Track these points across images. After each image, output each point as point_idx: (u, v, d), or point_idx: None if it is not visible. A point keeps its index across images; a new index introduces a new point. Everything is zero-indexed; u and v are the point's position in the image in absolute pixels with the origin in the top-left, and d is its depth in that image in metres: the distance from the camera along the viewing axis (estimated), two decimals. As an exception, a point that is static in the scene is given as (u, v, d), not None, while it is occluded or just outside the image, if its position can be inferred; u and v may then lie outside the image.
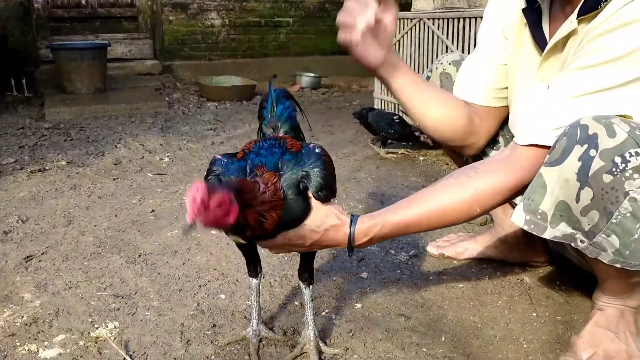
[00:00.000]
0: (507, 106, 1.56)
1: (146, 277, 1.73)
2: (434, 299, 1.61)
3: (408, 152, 3.19)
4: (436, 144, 2.77)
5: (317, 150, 1.17)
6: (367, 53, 1.28)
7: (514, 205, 1.29)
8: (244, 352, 1.34)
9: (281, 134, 1.31)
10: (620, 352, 1.27)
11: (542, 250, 1.79)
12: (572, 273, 1.69)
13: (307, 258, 1.30)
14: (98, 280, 1.71)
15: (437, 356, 1.34)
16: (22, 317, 1.50)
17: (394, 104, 3.89)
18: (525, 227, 1.19)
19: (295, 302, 1.57)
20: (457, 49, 3.06)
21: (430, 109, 1.46)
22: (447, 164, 2.95)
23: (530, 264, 1.79)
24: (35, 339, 1.40)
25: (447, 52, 3.06)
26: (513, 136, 1.43)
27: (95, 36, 5.60)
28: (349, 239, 1.18)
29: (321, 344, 1.33)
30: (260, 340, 1.36)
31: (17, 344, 1.38)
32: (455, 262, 1.85)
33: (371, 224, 1.19)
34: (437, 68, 1.73)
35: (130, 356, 1.33)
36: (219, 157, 1.20)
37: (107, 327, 1.45)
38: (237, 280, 1.70)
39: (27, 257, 1.86)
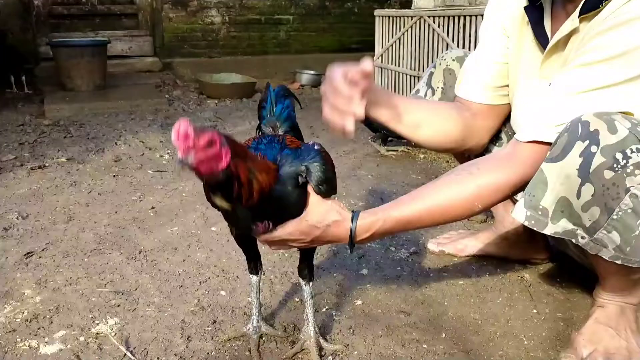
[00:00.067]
0: (509, 103, 1.56)
1: (146, 274, 1.73)
2: (434, 296, 1.61)
3: (408, 149, 3.18)
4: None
5: (316, 147, 1.17)
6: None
7: (515, 202, 1.29)
8: (244, 348, 1.34)
9: (280, 133, 1.31)
10: (620, 349, 1.28)
11: (543, 248, 1.79)
12: (573, 270, 1.69)
13: (306, 255, 1.30)
14: (98, 276, 1.71)
15: (438, 352, 1.34)
16: (23, 313, 1.50)
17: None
18: (526, 223, 1.19)
19: (296, 299, 1.57)
20: (458, 47, 3.06)
21: (421, 128, 1.46)
22: (448, 161, 2.95)
23: (530, 261, 1.79)
24: (35, 335, 1.40)
25: (447, 50, 3.05)
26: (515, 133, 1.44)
27: (95, 33, 5.59)
28: (351, 235, 1.18)
29: (321, 341, 1.33)
30: (261, 337, 1.37)
31: (18, 339, 1.38)
32: (456, 259, 1.85)
33: (373, 220, 1.19)
34: (440, 64, 1.73)
35: (131, 352, 1.33)
36: None
37: (107, 323, 1.45)
38: (237, 276, 1.70)
39: (28, 253, 1.86)
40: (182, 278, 1.70)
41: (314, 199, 1.15)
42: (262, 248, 1.32)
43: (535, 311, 1.53)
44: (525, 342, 1.39)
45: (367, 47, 5.30)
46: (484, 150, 1.62)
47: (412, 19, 3.55)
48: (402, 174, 2.75)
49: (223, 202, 1.07)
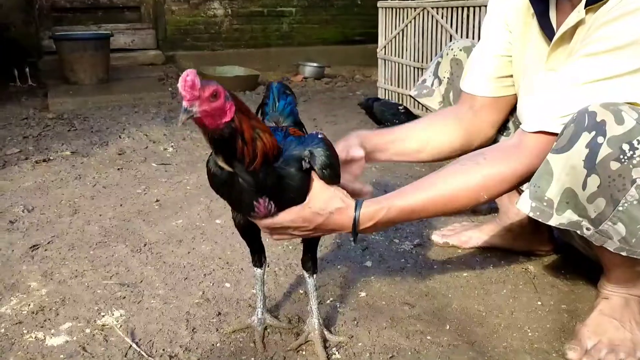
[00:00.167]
0: (514, 95, 1.55)
1: (151, 266, 1.73)
2: (438, 288, 1.61)
3: (412, 142, 3.17)
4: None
5: (320, 136, 1.17)
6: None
7: (520, 192, 1.28)
8: (249, 339, 1.35)
9: None
10: (625, 341, 1.28)
11: (547, 239, 1.78)
12: (577, 262, 1.69)
13: (310, 246, 1.30)
14: (104, 269, 1.71)
15: (442, 344, 1.34)
16: (29, 305, 1.51)
17: (399, 93, 3.87)
18: (531, 214, 1.19)
19: (300, 291, 1.58)
20: (462, 38, 3.04)
21: (424, 151, 1.57)
22: (452, 153, 2.94)
23: (535, 253, 1.79)
24: (42, 327, 1.41)
25: (451, 41, 3.04)
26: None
27: (98, 26, 5.58)
28: (354, 223, 1.17)
29: (326, 332, 1.34)
30: (265, 328, 1.37)
31: (24, 331, 1.39)
32: (460, 250, 1.85)
33: (377, 208, 1.19)
34: (447, 54, 1.73)
35: (137, 343, 1.33)
36: None
37: (113, 315, 1.46)
38: (242, 269, 1.70)
39: (33, 246, 1.87)
40: (187, 270, 1.70)
41: (317, 185, 1.14)
42: (266, 240, 1.32)
43: (539, 303, 1.53)
44: (530, 334, 1.39)
45: (370, 39, 5.29)
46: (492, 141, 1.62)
47: (415, 10, 3.53)
48: (406, 166, 2.74)
49: (225, 164, 1.05)
